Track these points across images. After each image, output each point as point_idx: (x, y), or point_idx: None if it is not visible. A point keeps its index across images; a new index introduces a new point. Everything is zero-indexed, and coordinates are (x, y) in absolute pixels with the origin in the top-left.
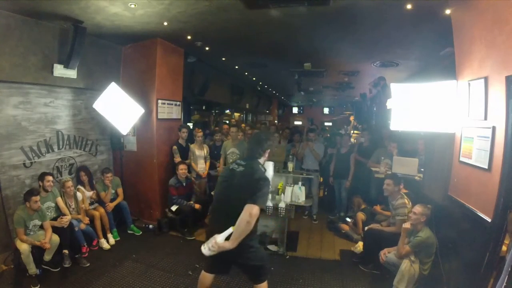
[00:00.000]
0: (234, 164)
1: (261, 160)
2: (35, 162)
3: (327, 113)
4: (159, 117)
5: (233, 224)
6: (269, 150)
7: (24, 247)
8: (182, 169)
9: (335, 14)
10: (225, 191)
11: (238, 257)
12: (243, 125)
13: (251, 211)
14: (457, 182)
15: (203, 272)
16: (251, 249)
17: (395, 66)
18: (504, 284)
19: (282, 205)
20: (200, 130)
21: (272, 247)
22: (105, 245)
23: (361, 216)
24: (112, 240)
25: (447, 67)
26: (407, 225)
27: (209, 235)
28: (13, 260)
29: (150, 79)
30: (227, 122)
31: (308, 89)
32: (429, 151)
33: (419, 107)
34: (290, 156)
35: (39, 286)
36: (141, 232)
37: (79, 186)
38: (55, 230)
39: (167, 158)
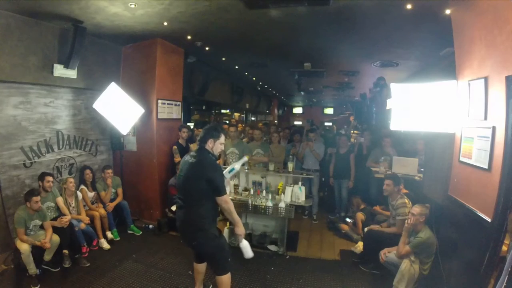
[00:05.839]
0: (189, 156)
1: (208, 149)
2: (35, 162)
3: (328, 113)
4: (159, 117)
5: (189, 211)
6: (212, 139)
7: (24, 247)
8: None
9: (335, 14)
10: (182, 182)
11: (191, 238)
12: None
13: (223, 201)
14: (457, 182)
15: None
16: (201, 232)
17: (395, 66)
18: (504, 284)
19: (282, 205)
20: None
21: (272, 247)
22: (105, 245)
23: (360, 216)
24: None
25: (447, 67)
26: (407, 225)
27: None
28: (13, 260)
29: (150, 79)
30: (227, 122)
31: (308, 89)
32: (429, 151)
33: (419, 107)
34: (290, 156)
35: (39, 286)
36: (141, 232)
37: (83, 187)
38: (55, 230)
39: (167, 158)
